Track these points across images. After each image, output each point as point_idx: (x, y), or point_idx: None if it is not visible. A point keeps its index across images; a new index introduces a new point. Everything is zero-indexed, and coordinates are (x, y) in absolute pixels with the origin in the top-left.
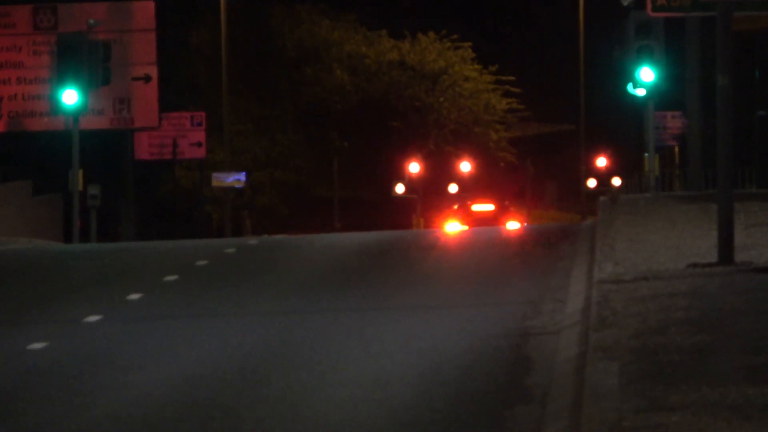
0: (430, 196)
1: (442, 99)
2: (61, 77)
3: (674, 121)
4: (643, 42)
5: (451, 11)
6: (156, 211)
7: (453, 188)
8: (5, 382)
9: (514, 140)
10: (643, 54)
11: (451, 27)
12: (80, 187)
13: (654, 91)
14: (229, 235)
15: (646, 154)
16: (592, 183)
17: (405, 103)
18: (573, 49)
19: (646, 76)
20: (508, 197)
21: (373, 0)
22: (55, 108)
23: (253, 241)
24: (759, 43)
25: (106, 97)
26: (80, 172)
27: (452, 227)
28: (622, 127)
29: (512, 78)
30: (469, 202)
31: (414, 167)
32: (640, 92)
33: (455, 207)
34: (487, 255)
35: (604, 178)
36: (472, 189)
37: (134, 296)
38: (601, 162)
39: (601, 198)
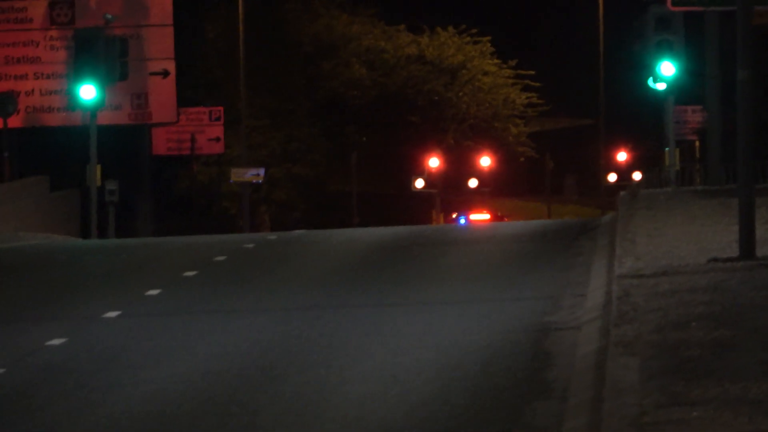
0: (449, 190)
1: (461, 93)
2: (78, 72)
3: (694, 116)
4: (662, 36)
5: (470, 6)
6: (174, 207)
7: (473, 183)
8: (23, 378)
9: (533, 135)
10: (663, 48)
11: (470, 21)
12: (98, 183)
13: (674, 86)
14: (247, 231)
15: (666, 149)
16: (612, 177)
17: (423, 98)
18: (592, 44)
19: (666, 70)
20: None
21: None
22: (72, 103)
23: (271, 236)
24: None
25: (123, 93)
26: (98, 168)
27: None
28: (642, 121)
29: (531, 72)
30: (468, 212)
31: (433, 162)
32: (660, 86)
33: (454, 216)
34: (506, 249)
35: (624, 172)
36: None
37: (153, 292)
38: (621, 156)
39: (621, 192)
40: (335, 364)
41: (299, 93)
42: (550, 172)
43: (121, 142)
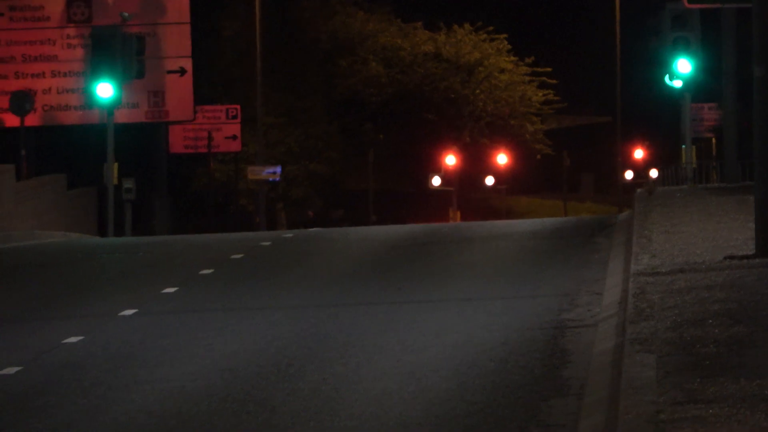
0: (466, 188)
1: (477, 91)
2: (95, 70)
3: (711, 113)
4: (679, 33)
5: (486, 3)
6: (190, 205)
7: (489, 180)
8: (40, 376)
9: (550, 132)
10: (679, 45)
11: (486, 19)
12: (115, 181)
13: (690, 83)
14: (264, 228)
15: (683, 146)
16: (628, 175)
17: (440, 95)
18: (609, 41)
19: (683, 67)
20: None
21: None
22: (89, 101)
23: (288, 234)
24: None
25: (140, 91)
26: (115, 166)
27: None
28: (659, 118)
29: (548, 69)
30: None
31: (450, 160)
32: (677, 84)
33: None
34: (523, 246)
35: (640, 169)
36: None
37: (169, 290)
38: (638, 154)
39: (638, 190)
40: (352, 361)
41: (316, 91)
42: (567, 169)
43: (138, 140)
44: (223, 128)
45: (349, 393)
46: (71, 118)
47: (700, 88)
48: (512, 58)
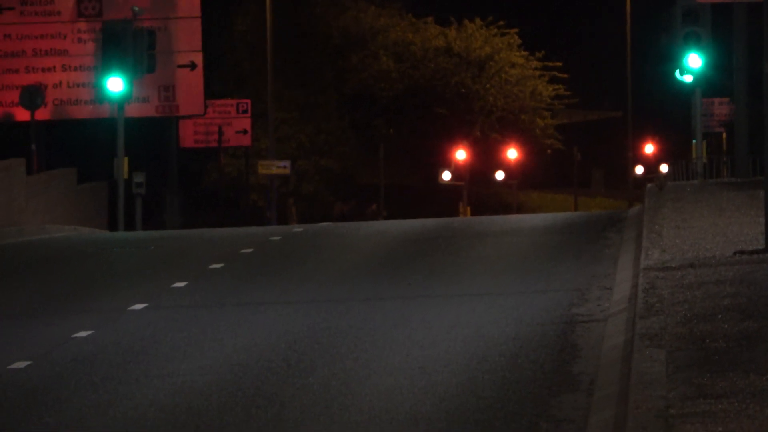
0: (476, 183)
1: (488, 86)
2: (105, 65)
3: (721, 108)
4: (690, 28)
5: None
6: (201, 199)
7: (500, 175)
8: (50, 371)
9: (560, 127)
10: (690, 40)
11: (497, 13)
12: (125, 175)
13: (701, 78)
14: (275, 223)
15: (694, 141)
16: (639, 170)
17: (451, 90)
18: (620, 36)
19: (694, 62)
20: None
21: None
22: (100, 96)
23: (298, 228)
24: None
25: (151, 85)
26: (126, 160)
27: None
28: (670, 113)
29: (559, 64)
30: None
31: (460, 154)
32: (688, 79)
33: None
34: (533, 241)
35: (651, 164)
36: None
37: (179, 284)
38: (649, 149)
39: (648, 185)
40: (362, 356)
41: (327, 86)
42: (578, 164)
43: (149, 134)
44: (233, 123)
45: (359, 388)
46: (82, 112)
47: (710, 83)
48: (523, 52)
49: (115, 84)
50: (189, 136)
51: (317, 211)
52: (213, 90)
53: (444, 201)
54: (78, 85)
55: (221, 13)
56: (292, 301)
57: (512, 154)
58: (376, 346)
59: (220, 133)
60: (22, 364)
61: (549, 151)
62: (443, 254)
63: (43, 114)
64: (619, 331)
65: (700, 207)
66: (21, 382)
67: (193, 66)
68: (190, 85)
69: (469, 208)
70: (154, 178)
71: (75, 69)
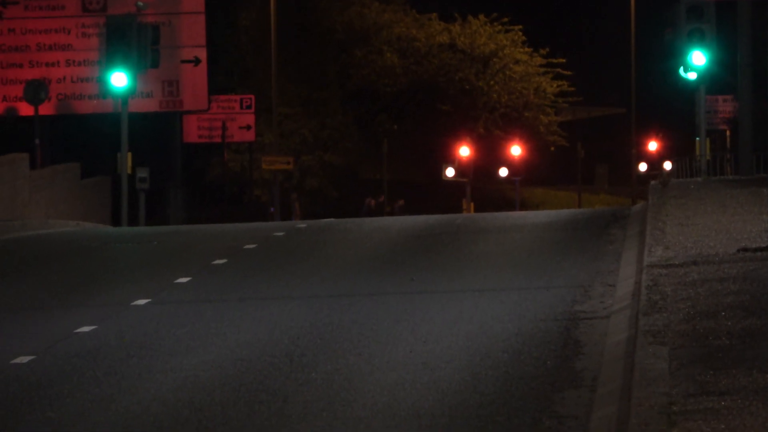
0: (480, 179)
1: (492, 82)
2: (109, 60)
3: (725, 105)
4: (694, 25)
5: None
6: (205, 194)
7: (503, 172)
8: (53, 365)
9: (564, 124)
10: (695, 37)
11: (501, 10)
12: (129, 170)
13: (705, 75)
14: (278, 219)
15: (697, 138)
16: (642, 167)
17: (455, 86)
18: (624, 33)
19: (698, 59)
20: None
21: None
22: (103, 90)
23: (302, 224)
24: None
25: (155, 80)
26: (129, 155)
27: None
28: (673, 110)
29: (563, 60)
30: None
31: (464, 151)
32: (692, 76)
33: None
34: (537, 238)
35: (654, 161)
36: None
37: (183, 279)
38: (652, 146)
39: (652, 182)
40: (365, 352)
41: (332, 81)
42: (581, 161)
43: (153, 129)
44: (237, 118)
45: (362, 383)
46: (86, 107)
47: (714, 81)
48: (527, 49)
49: (119, 79)
50: (193, 131)
51: (364, 206)
52: (217, 85)
53: (447, 197)
54: (82, 80)
55: (225, 7)
56: (296, 297)
57: (516, 150)
58: (379, 341)
59: (224, 128)
60: (25, 359)
61: (552, 148)
62: (446, 250)
63: (47, 109)
64: (622, 327)
65: (704, 204)
66: (24, 377)
67: (197, 61)
68: (194, 81)
69: (472, 204)
70: (157, 173)
71: (79, 64)
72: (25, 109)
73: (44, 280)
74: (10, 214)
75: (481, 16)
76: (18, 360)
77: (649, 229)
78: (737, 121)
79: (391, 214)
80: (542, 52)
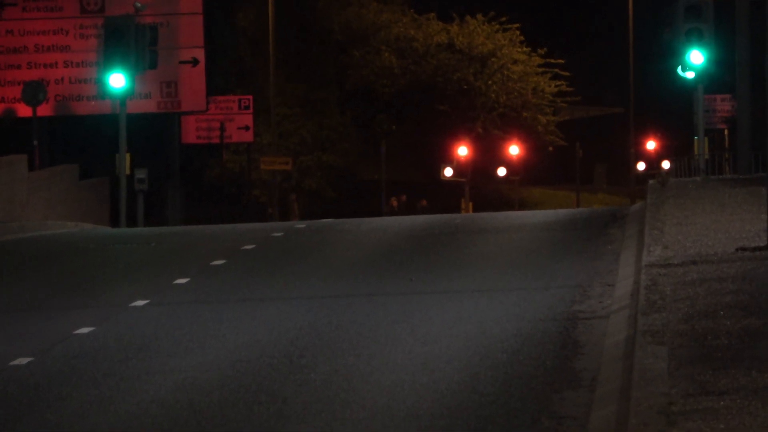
0: (478, 179)
1: (490, 82)
2: (108, 61)
3: (724, 104)
4: (692, 24)
5: None
6: (203, 195)
7: (502, 172)
8: (52, 367)
9: (562, 124)
10: (693, 37)
11: (499, 9)
12: (127, 171)
13: (703, 74)
14: (277, 219)
15: (696, 137)
16: (641, 166)
17: (453, 86)
18: (622, 32)
19: (696, 59)
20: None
21: None
22: (102, 91)
23: (300, 225)
24: None
25: (153, 81)
26: (127, 156)
27: None
28: (672, 110)
29: (561, 61)
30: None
31: (462, 150)
32: (690, 75)
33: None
34: (535, 238)
35: (653, 161)
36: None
37: (181, 280)
38: (651, 145)
39: (651, 181)
40: (364, 353)
41: (330, 81)
42: (580, 160)
43: (151, 130)
44: (235, 119)
45: (361, 384)
46: (84, 108)
47: (713, 80)
48: (525, 49)
49: (117, 80)
50: (191, 132)
51: (387, 207)
52: (216, 85)
53: (446, 197)
54: (80, 81)
55: (223, 8)
56: (294, 297)
57: (514, 150)
58: (378, 342)
59: (222, 129)
60: (23, 361)
61: (551, 147)
62: (445, 250)
63: (45, 110)
64: (621, 327)
65: (702, 203)
66: (23, 379)
67: (195, 62)
68: (192, 81)
69: (471, 204)
70: (156, 174)
71: (77, 65)
72: (24, 111)
73: (43, 282)
74: (9, 215)
75: (479, 16)
76: (17, 361)
77: (648, 229)
78: (735, 120)
79: (414, 213)
80: (540, 51)
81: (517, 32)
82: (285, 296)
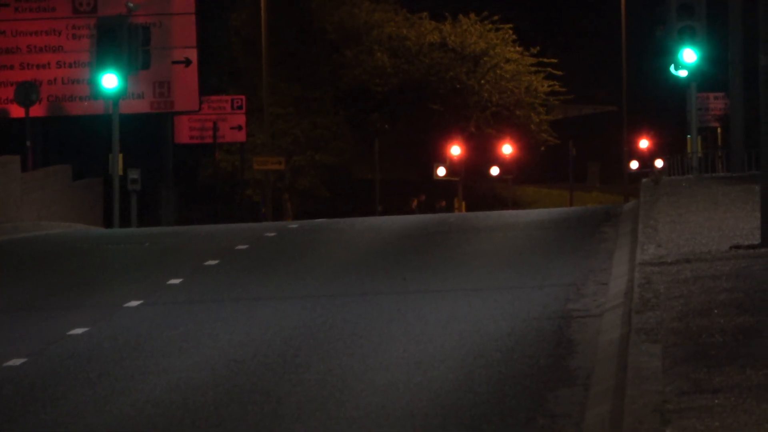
0: (472, 178)
1: (483, 81)
2: (100, 61)
3: (717, 102)
4: (685, 23)
5: None
6: (196, 195)
7: (495, 170)
8: (46, 367)
9: (555, 122)
10: (685, 35)
11: (491, 8)
12: (120, 171)
13: (696, 72)
14: (270, 219)
15: (689, 136)
16: (634, 164)
17: (446, 85)
18: (615, 31)
19: (689, 57)
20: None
21: None
22: (95, 92)
23: (293, 224)
24: None
25: (146, 81)
26: (120, 156)
27: None
28: (665, 108)
29: (554, 60)
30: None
31: (455, 150)
32: (683, 73)
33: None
34: (529, 236)
35: (646, 159)
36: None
37: (175, 281)
38: (644, 143)
39: (644, 180)
40: (359, 352)
41: (323, 81)
42: (573, 159)
43: (144, 130)
44: (228, 118)
45: (355, 383)
46: (77, 108)
47: (705, 78)
48: (518, 48)
49: (110, 80)
50: (184, 132)
51: (408, 206)
52: (209, 85)
53: (439, 196)
54: (73, 82)
55: (216, 8)
56: (288, 297)
57: (507, 149)
58: (372, 341)
59: (215, 128)
60: (18, 361)
61: (544, 147)
62: (439, 249)
63: (38, 110)
64: (615, 326)
65: (696, 201)
66: (17, 379)
67: (188, 62)
68: (185, 82)
69: (464, 203)
70: (149, 174)
71: (70, 65)
72: (16, 111)
73: (36, 282)
74: (2, 216)
75: (472, 15)
76: (11, 362)
77: (642, 227)
78: (728, 119)
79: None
80: (533, 50)
81: (510, 31)
82: (279, 296)
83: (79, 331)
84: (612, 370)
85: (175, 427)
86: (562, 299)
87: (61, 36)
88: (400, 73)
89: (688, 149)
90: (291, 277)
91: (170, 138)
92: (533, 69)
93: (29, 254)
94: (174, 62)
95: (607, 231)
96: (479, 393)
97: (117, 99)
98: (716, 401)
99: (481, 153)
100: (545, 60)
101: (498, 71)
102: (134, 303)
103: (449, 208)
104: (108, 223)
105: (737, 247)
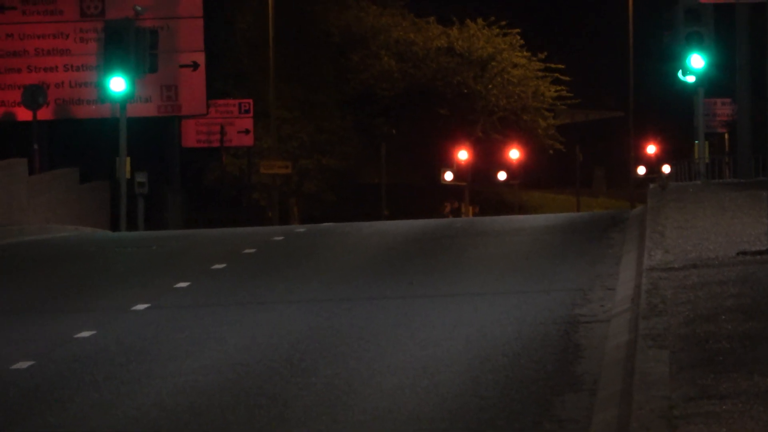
0: (479, 183)
1: (490, 86)
2: (108, 64)
3: (724, 108)
4: (692, 28)
5: None
6: (203, 199)
7: (502, 175)
8: (53, 370)
9: (562, 127)
10: (693, 40)
11: (499, 13)
12: (128, 175)
13: (703, 78)
14: (277, 223)
15: (696, 141)
16: (641, 170)
17: (453, 90)
18: (622, 36)
19: (696, 62)
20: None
21: None
22: (102, 95)
23: (301, 228)
24: None
25: (153, 85)
26: (128, 160)
27: None
28: (672, 113)
29: (561, 66)
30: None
31: (462, 154)
32: (690, 79)
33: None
34: (536, 241)
35: (653, 165)
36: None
37: (182, 284)
38: (651, 149)
39: (651, 185)
40: (365, 356)
41: (330, 85)
42: (580, 164)
43: (151, 134)
44: (235, 122)
45: (362, 388)
46: (84, 111)
47: (712, 83)
48: (525, 53)
49: (118, 84)
50: (191, 135)
51: (441, 212)
52: (215, 88)
53: (446, 201)
54: (80, 85)
55: (224, 11)
56: (295, 301)
57: (514, 154)
58: (379, 345)
59: (222, 132)
60: (24, 364)
61: (551, 151)
62: (446, 254)
63: (45, 114)
64: (622, 331)
65: (703, 207)
66: (24, 382)
67: (195, 66)
68: (193, 85)
69: (471, 208)
70: (156, 177)
71: (77, 68)
72: (23, 114)
73: (43, 285)
74: (8, 219)
75: (479, 20)
76: (18, 365)
77: (649, 233)
78: (736, 124)
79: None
80: (540, 56)
81: (517, 36)
82: (286, 300)
83: (85, 334)
84: (619, 376)
85: (181, 431)
86: (569, 304)
87: (68, 39)
88: (407, 77)
89: (695, 155)
90: (298, 281)
91: (177, 142)
92: (540, 74)
93: (36, 257)
94: (181, 66)
95: (614, 236)
96: (486, 397)
97: (124, 102)
98: (723, 407)
99: (488, 158)
100: (552, 65)
101: (505, 76)
102: (141, 306)
103: (458, 213)
104: (115, 226)
105: (744, 252)
